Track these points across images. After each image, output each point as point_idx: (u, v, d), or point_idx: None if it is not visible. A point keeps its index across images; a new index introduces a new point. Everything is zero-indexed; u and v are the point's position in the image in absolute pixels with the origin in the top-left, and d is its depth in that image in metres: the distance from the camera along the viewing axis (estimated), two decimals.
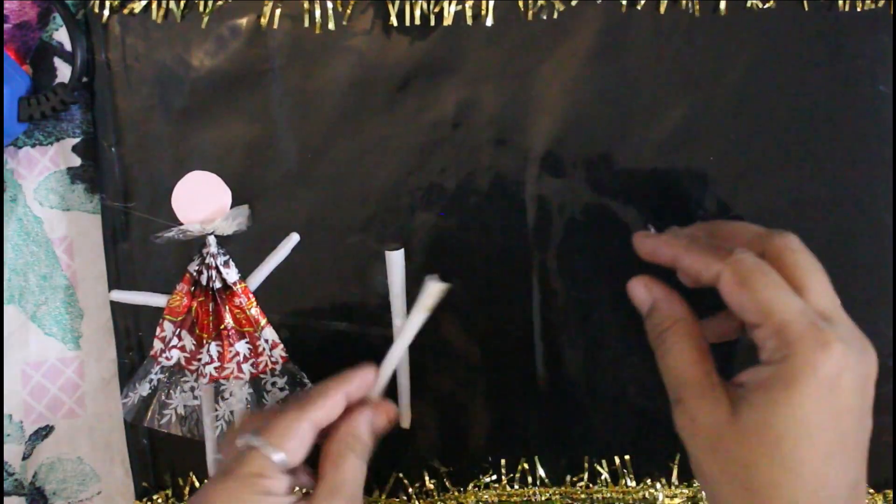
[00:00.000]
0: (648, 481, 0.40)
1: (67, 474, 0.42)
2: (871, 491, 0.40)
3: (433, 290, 0.37)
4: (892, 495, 0.40)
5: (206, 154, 0.39)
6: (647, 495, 0.40)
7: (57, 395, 0.42)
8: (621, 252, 0.39)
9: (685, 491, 0.40)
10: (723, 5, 0.38)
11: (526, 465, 0.40)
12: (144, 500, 0.41)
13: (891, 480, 0.40)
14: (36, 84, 0.40)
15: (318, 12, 0.38)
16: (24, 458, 0.42)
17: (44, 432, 0.42)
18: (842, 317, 0.30)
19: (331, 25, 0.38)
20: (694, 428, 0.30)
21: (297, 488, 0.35)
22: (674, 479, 0.40)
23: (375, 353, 0.40)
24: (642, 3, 0.38)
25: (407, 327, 0.37)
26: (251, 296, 0.39)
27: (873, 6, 0.38)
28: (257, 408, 0.39)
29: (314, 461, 0.34)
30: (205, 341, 0.39)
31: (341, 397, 0.34)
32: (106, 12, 0.39)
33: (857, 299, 0.39)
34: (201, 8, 0.38)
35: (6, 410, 0.42)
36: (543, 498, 0.40)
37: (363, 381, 0.36)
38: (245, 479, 0.32)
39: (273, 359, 0.40)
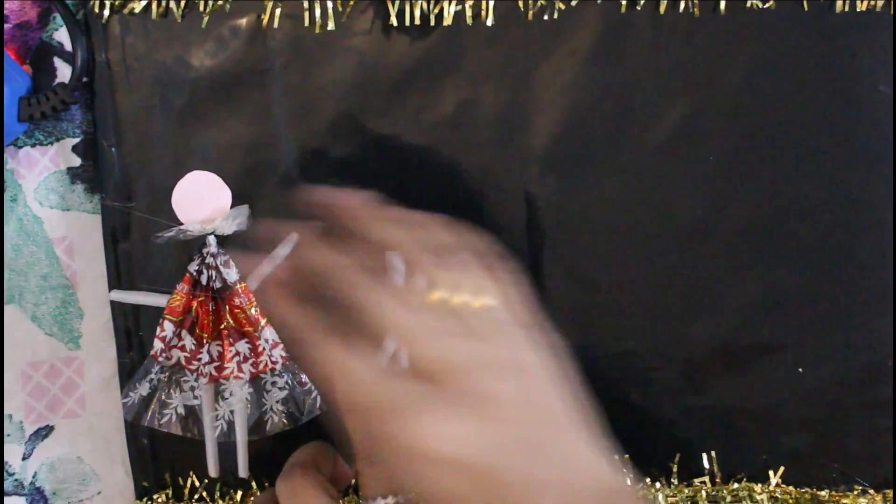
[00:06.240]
0: (648, 481, 0.40)
1: (67, 474, 0.42)
2: (871, 491, 0.40)
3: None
4: (892, 495, 0.40)
5: (206, 154, 0.39)
6: (647, 495, 0.40)
7: (57, 395, 0.42)
8: (621, 252, 0.39)
9: (685, 491, 0.40)
10: (723, 5, 0.38)
11: None
12: (145, 499, 0.41)
13: (891, 480, 0.40)
14: (36, 84, 0.40)
15: (318, 12, 0.38)
16: (24, 458, 0.42)
17: (44, 432, 0.42)
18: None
19: (331, 25, 0.38)
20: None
21: None
22: (674, 479, 0.40)
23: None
24: (642, 3, 0.38)
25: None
26: (251, 296, 0.39)
27: (873, 5, 0.38)
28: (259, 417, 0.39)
29: None
30: (205, 341, 0.39)
31: None
32: (106, 12, 0.39)
33: (857, 299, 0.39)
34: (201, 8, 0.38)
35: (6, 410, 0.42)
36: None
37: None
38: None
39: (273, 358, 0.40)
